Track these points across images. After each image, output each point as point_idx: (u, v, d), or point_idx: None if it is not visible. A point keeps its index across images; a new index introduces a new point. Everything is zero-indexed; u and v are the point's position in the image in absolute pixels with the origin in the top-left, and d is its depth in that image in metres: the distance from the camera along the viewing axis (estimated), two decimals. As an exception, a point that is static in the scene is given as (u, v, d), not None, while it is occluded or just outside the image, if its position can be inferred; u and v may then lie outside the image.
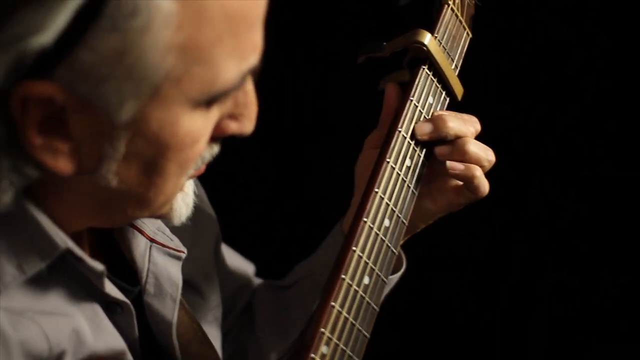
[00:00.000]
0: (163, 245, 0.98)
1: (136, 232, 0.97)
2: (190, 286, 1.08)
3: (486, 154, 1.08)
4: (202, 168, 0.90)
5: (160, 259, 0.97)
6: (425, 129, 1.06)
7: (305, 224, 1.73)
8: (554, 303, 1.91)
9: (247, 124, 0.87)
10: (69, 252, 0.85)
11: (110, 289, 0.90)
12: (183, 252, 1.00)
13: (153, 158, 0.81)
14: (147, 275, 0.96)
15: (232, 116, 0.86)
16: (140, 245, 0.97)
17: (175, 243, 1.00)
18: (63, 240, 0.84)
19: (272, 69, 0.92)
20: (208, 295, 1.15)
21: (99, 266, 0.87)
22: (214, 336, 1.14)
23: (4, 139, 0.77)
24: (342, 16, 1.72)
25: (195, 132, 0.81)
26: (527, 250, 1.92)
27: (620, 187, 1.85)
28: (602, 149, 1.84)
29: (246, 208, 1.80)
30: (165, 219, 0.92)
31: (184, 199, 0.91)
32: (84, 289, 0.89)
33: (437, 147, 1.08)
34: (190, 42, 0.75)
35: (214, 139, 0.86)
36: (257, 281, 1.32)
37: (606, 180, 1.85)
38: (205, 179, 1.04)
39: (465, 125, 1.08)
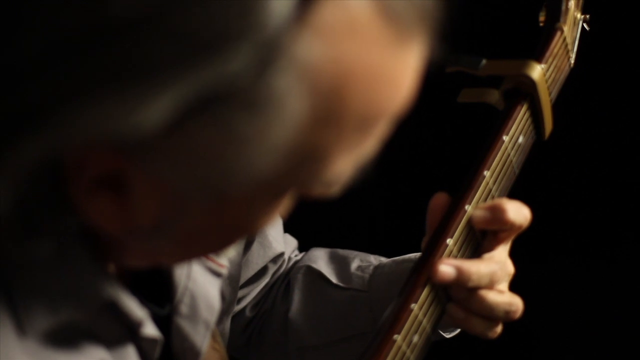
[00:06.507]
0: (206, 257, 0.84)
1: None
2: None
3: (508, 307, 0.93)
4: None
5: (200, 275, 0.83)
6: (479, 217, 0.92)
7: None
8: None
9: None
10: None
11: (150, 329, 0.76)
12: (224, 267, 0.86)
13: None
14: (183, 294, 0.82)
15: None
16: None
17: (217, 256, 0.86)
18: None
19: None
20: (228, 300, 1.03)
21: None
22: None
23: (47, 182, 0.61)
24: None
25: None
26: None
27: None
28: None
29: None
30: None
31: None
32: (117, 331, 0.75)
33: (455, 291, 0.91)
34: (307, 143, 0.59)
35: None
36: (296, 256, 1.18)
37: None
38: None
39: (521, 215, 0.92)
